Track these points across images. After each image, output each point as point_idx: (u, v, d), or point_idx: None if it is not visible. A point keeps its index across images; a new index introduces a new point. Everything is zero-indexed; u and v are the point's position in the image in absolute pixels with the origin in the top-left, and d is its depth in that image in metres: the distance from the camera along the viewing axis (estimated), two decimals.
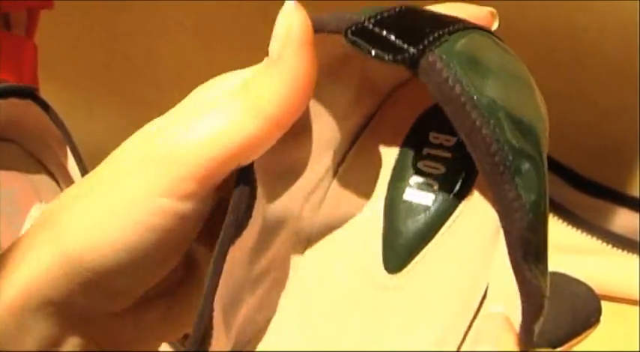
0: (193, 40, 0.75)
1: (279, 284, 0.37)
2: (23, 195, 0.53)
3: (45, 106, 0.52)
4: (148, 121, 0.37)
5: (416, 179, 0.38)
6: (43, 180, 0.54)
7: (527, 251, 0.33)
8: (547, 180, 0.34)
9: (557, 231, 0.66)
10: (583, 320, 0.53)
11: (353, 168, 0.38)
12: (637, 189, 0.72)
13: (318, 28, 0.34)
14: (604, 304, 0.55)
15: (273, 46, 0.35)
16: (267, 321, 0.36)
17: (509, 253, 0.33)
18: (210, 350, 0.33)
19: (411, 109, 0.39)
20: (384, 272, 0.37)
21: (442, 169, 0.38)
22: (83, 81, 0.79)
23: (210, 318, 0.33)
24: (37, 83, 0.63)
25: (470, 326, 0.35)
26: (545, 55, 0.72)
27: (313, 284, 0.37)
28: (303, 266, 0.38)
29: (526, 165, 0.33)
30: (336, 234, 0.38)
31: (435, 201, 0.37)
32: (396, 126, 0.39)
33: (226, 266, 0.34)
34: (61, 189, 0.54)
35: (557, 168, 0.71)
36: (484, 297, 0.35)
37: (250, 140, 0.34)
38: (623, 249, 0.66)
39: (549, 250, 0.66)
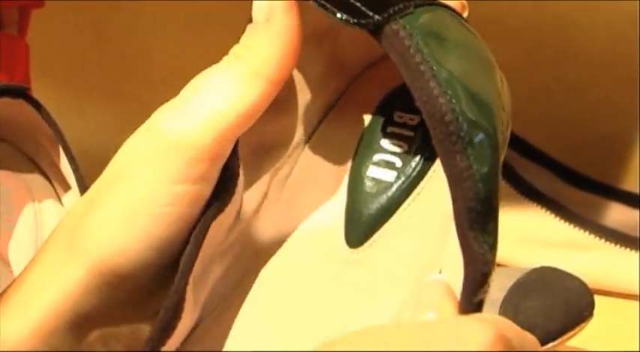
0: (186, 38, 0.75)
1: (243, 256, 0.38)
2: (16, 195, 0.53)
3: (37, 105, 0.52)
4: (141, 119, 0.37)
5: (379, 156, 0.39)
6: (35, 179, 0.54)
7: (474, 220, 0.33)
8: (501, 156, 0.35)
9: (550, 225, 0.66)
10: (576, 314, 0.53)
11: (320, 145, 0.39)
12: (629, 183, 0.72)
13: None
14: (597, 298, 0.55)
15: (260, 9, 0.35)
16: (231, 292, 0.37)
17: (456, 221, 0.34)
18: (180, 322, 0.33)
19: (377, 89, 0.40)
20: (346, 246, 0.38)
21: (405, 148, 0.39)
22: (75, 80, 0.79)
23: (184, 291, 0.33)
24: (29, 82, 0.63)
25: None
26: (534, 50, 0.72)
27: (275, 257, 0.38)
28: (266, 240, 0.38)
29: (480, 137, 0.34)
30: (300, 208, 0.39)
31: (397, 178, 0.38)
32: (363, 105, 0.40)
33: (204, 241, 0.34)
34: (54, 189, 0.54)
35: (549, 162, 0.71)
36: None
37: (255, 105, 0.35)
38: (616, 244, 0.66)
39: (541, 245, 0.66)
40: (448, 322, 0.32)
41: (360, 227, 0.38)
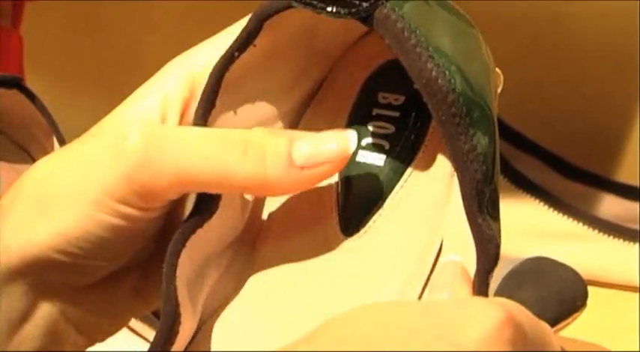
0: (179, 30, 0.75)
1: (241, 252, 0.38)
2: (10, 185, 0.53)
3: (31, 96, 0.52)
4: None
5: (367, 140, 0.39)
6: None
7: (482, 201, 0.34)
8: (497, 133, 0.35)
9: (544, 216, 0.66)
10: (569, 304, 0.53)
11: None
12: (623, 174, 0.72)
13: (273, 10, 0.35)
14: (590, 289, 0.55)
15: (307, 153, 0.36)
16: (232, 291, 0.37)
17: (465, 204, 0.34)
18: (180, 328, 0.33)
19: (359, 72, 0.40)
20: (341, 234, 0.37)
21: (392, 129, 0.39)
22: (69, 72, 0.79)
23: (176, 298, 0.33)
24: (23, 74, 0.63)
25: (426, 283, 0.35)
26: (530, 43, 0.72)
27: (273, 251, 0.38)
28: (261, 235, 0.38)
29: (478, 117, 0.34)
30: (292, 200, 0.39)
31: (387, 161, 0.38)
32: (346, 89, 0.39)
33: (190, 244, 0.34)
34: None
35: (543, 154, 0.71)
36: (439, 253, 0.36)
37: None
38: (609, 235, 0.66)
39: (536, 235, 0.66)
40: (455, 301, 0.32)
41: (354, 214, 0.38)
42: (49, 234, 0.35)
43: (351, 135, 0.36)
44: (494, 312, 0.31)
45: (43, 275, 0.36)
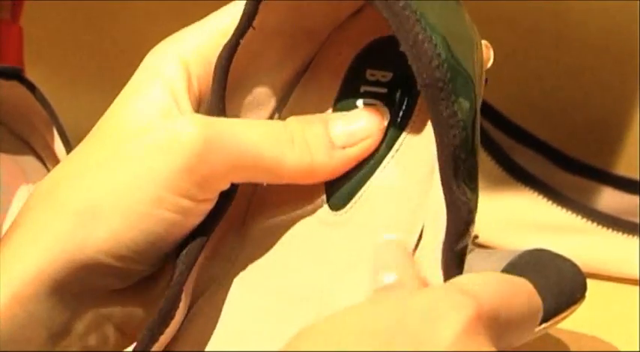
0: (178, 22, 0.75)
1: (229, 231, 0.38)
2: (10, 177, 0.53)
3: (31, 87, 0.52)
4: None
5: None
6: (29, 161, 0.54)
7: (458, 167, 0.34)
8: (479, 105, 0.36)
9: (543, 209, 0.66)
10: (568, 296, 0.53)
11: (295, 111, 0.39)
12: (622, 167, 0.72)
13: None
14: (589, 282, 0.55)
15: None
16: (221, 271, 0.37)
17: (440, 169, 0.34)
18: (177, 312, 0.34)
19: (347, 50, 0.40)
20: (329, 210, 0.38)
21: (380, 105, 0.39)
22: (69, 63, 0.79)
23: (184, 284, 0.34)
24: (23, 65, 0.62)
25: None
26: (529, 35, 0.72)
27: (261, 229, 0.38)
28: (250, 212, 0.39)
29: (461, 85, 0.34)
30: None
31: None
32: (334, 67, 0.40)
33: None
34: (48, 171, 0.54)
35: (542, 147, 0.71)
36: (422, 233, 0.36)
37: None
38: (608, 228, 0.66)
39: (535, 228, 0.66)
40: (424, 298, 0.31)
41: (341, 189, 0.38)
42: (104, 239, 0.35)
43: (381, 108, 0.37)
44: (464, 309, 0.30)
45: (88, 282, 0.35)
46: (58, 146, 0.53)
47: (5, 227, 0.52)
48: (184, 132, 0.35)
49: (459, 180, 0.34)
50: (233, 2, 0.38)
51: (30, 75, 0.54)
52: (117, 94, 0.38)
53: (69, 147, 0.52)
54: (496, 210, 0.66)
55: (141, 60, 0.38)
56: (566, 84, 0.72)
